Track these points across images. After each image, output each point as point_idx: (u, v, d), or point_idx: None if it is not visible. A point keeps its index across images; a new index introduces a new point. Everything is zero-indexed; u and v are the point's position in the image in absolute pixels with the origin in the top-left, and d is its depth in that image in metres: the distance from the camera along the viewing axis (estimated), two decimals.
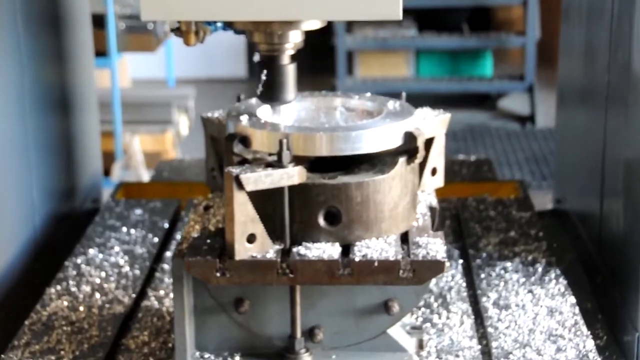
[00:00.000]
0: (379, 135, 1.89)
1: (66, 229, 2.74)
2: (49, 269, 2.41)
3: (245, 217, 1.79)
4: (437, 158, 2.15)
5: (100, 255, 2.42)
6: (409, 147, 1.93)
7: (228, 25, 1.96)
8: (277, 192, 1.84)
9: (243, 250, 1.81)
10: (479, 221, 2.69)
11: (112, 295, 2.21)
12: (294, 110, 2.05)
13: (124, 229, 2.59)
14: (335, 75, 7.54)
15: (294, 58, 1.98)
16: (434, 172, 2.15)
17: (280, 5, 1.81)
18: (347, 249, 1.87)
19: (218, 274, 1.81)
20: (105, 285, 2.25)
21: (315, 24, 1.94)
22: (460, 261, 2.44)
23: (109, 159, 4.69)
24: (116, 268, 2.36)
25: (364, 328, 1.95)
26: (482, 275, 2.36)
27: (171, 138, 5.15)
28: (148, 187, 3.04)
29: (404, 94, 2.10)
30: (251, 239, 1.81)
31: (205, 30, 2.00)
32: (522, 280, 2.32)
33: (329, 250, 1.84)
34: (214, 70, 8.18)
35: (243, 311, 1.92)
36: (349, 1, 1.81)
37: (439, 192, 2.94)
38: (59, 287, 2.24)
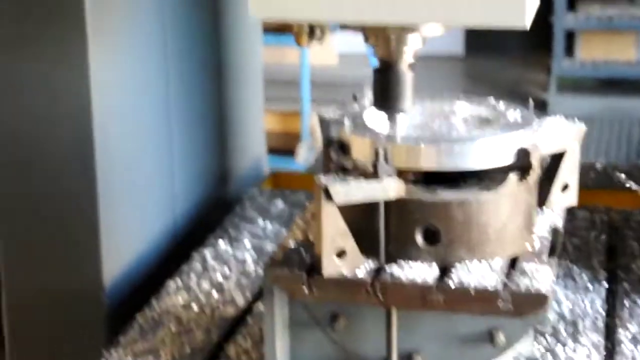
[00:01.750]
0: (488, 151, 1.74)
1: (215, 218, 2.74)
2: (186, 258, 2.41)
3: (334, 231, 1.70)
4: (569, 173, 1.97)
5: (229, 249, 2.40)
6: (522, 164, 1.77)
7: (344, 26, 1.86)
8: (372, 206, 1.74)
9: (332, 266, 1.72)
10: (639, 239, 2.47)
11: (229, 295, 2.18)
12: (407, 116, 1.93)
13: (261, 221, 2.56)
14: (552, 56, 7.24)
15: (412, 65, 1.86)
16: (565, 188, 1.98)
17: (396, 8, 1.69)
18: (445, 271, 1.74)
19: (305, 289, 1.74)
20: (225, 283, 2.23)
21: (436, 30, 1.81)
22: (605, 285, 2.24)
23: (295, 139, 4.70)
24: (241, 265, 2.33)
25: (467, 357, 1.81)
26: (627, 303, 2.15)
27: None
28: (300, 177, 3.00)
29: (531, 102, 1.93)
30: (341, 254, 1.72)
31: (324, 29, 1.92)
32: None
33: (425, 271, 1.72)
34: (429, 47, 8.03)
35: (338, 328, 1.83)
36: (471, 6, 1.67)
37: (605, 199, 2.77)
38: (179, 281, 2.23)
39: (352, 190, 1.69)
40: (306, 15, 1.77)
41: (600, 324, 2.08)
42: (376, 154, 1.71)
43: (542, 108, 7.08)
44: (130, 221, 2.34)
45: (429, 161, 1.74)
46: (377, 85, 1.84)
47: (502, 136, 1.76)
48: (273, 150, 4.07)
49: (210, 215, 2.74)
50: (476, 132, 1.83)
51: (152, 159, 2.45)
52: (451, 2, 1.67)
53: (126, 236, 2.33)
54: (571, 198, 1.99)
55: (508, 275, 1.74)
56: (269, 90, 5.23)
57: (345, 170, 1.80)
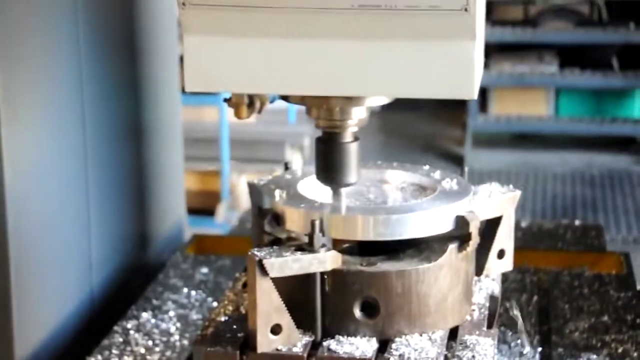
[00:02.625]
0: (425, 220, 1.69)
1: (135, 285, 2.64)
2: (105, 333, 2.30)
3: (269, 306, 1.63)
4: (505, 239, 1.94)
5: (153, 320, 2.29)
6: (461, 233, 1.73)
7: (283, 98, 1.80)
8: (309, 278, 1.67)
9: (266, 342, 1.64)
10: (571, 300, 2.44)
11: None
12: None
13: (185, 290, 2.46)
14: (467, 111, 7.30)
15: (357, 136, 1.81)
16: (501, 254, 1.94)
17: (341, 79, 1.64)
18: (385, 345, 1.68)
19: None
20: (149, 357, 2.12)
21: (382, 100, 1.76)
22: (539, 349, 2.20)
23: (214, 198, 4.62)
24: (165, 336, 2.22)
25: None
26: None
27: None
28: (224, 241, 2.91)
29: (466, 169, 1.90)
30: (276, 329, 1.65)
31: (263, 100, 1.85)
32: None
33: (363, 346, 1.66)
34: None
35: None
36: (418, 78, 1.63)
37: (533, 259, 2.75)
38: (100, 357, 2.12)
39: (287, 264, 1.62)
40: (245, 87, 1.71)
41: None
42: (312, 225, 1.65)
43: (458, 163, 7.12)
44: (44, 295, 2.22)
45: (365, 232, 1.68)
46: (320, 156, 1.79)
47: (440, 205, 1.72)
48: (192, 210, 3.98)
49: (130, 283, 2.63)
50: (413, 202, 1.78)
51: (67, 226, 2.34)
52: (399, 75, 1.63)
53: (40, 311, 2.21)
54: (507, 264, 1.96)
55: (449, 348, 1.68)
56: (187, 149, 5.17)
57: (279, 242, 1.73)
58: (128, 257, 2.68)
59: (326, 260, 1.65)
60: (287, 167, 1.93)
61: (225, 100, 1.84)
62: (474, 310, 1.79)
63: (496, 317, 1.86)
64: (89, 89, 2.39)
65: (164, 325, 2.27)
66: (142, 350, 2.15)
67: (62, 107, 2.31)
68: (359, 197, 1.84)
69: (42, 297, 2.23)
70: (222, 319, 1.75)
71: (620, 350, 2.17)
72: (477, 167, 7.06)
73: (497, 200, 1.89)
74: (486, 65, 7.42)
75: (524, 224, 3.07)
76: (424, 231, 1.70)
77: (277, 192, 1.76)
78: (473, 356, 1.63)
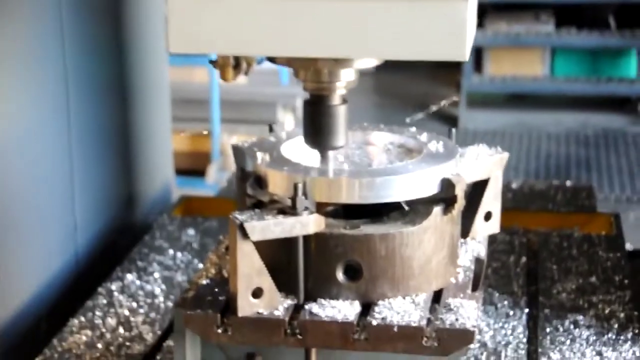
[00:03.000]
0: (410, 183, 1.67)
1: (122, 246, 2.62)
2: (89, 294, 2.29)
3: (250, 270, 1.61)
4: (492, 202, 1.91)
5: (137, 282, 2.28)
6: (446, 196, 1.70)
7: (270, 60, 1.76)
8: (291, 242, 1.65)
9: (247, 306, 1.62)
10: (559, 261, 2.43)
11: (136, 331, 2.06)
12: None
13: (171, 251, 2.44)
14: (461, 72, 7.26)
15: (345, 98, 1.77)
16: (488, 216, 1.92)
17: (328, 41, 1.60)
18: (367, 309, 1.66)
19: (219, 331, 1.63)
20: (133, 319, 2.11)
21: (371, 62, 1.72)
22: (526, 310, 2.19)
23: (205, 159, 4.58)
24: (150, 298, 2.21)
25: None
26: (548, 329, 2.10)
27: None
28: (212, 202, 2.89)
29: (454, 131, 1.87)
30: (257, 293, 1.63)
31: (250, 61, 1.81)
32: (593, 338, 2.06)
33: (346, 309, 1.64)
34: None
35: None
36: (408, 40, 1.58)
37: (523, 220, 2.73)
38: (83, 318, 2.10)
39: (269, 227, 1.59)
40: (231, 49, 1.67)
41: (522, 351, 2.02)
42: (295, 188, 1.62)
43: (452, 123, 7.08)
44: (24, 255, 2.21)
45: (349, 195, 1.66)
46: (308, 119, 1.76)
47: (425, 168, 1.69)
48: (182, 172, 3.96)
49: (116, 244, 2.62)
50: (398, 164, 1.75)
51: (50, 186, 2.32)
52: (388, 36, 1.58)
53: (20, 272, 2.19)
54: (494, 226, 1.93)
55: (432, 311, 1.66)
56: (177, 110, 5.12)
57: (262, 205, 1.71)
58: (113, 218, 2.66)
59: (309, 223, 1.62)
60: (271, 129, 1.90)
61: (211, 62, 1.80)
62: (459, 273, 1.77)
63: (481, 279, 1.83)
64: (71, 48, 2.35)
65: (148, 287, 2.26)
66: (126, 312, 2.14)
67: (44, 65, 2.27)
68: (343, 160, 1.81)
69: (23, 258, 2.21)
70: (204, 282, 1.73)
71: (607, 310, 2.16)
72: (471, 127, 7.03)
73: (484, 163, 1.86)
74: (481, 25, 7.38)
75: (514, 185, 3.05)
76: (408, 194, 1.67)
77: (260, 155, 1.73)
78: (456, 319, 1.61)
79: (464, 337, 1.60)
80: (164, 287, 2.26)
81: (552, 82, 7.44)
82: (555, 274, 2.36)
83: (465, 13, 1.58)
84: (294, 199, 1.62)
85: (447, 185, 1.69)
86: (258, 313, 1.62)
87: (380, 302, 1.66)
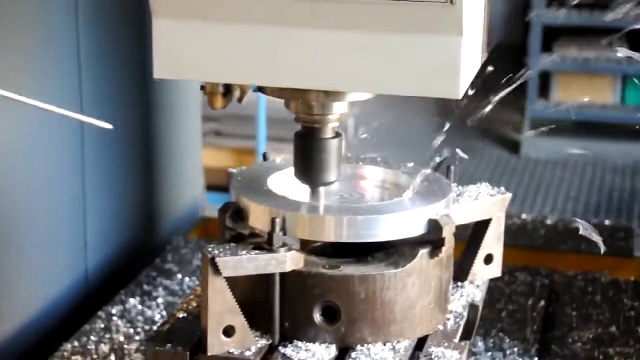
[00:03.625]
0: (394, 223, 1.59)
1: (140, 267, 2.56)
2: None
3: (221, 307, 1.55)
4: (493, 244, 1.83)
5: (139, 307, 2.23)
6: (434, 238, 1.62)
7: (260, 90, 1.70)
8: (268, 279, 1.59)
9: (218, 345, 1.56)
10: (580, 307, 2.31)
11: None
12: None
13: (179, 276, 2.40)
14: (527, 97, 7.10)
15: (338, 132, 1.71)
16: (488, 260, 1.83)
17: (319, 72, 1.54)
18: (344, 354, 1.59)
19: None
20: (127, 346, 2.06)
21: (364, 96, 1.66)
22: (536, 359, 2.09)
23: None
24: (149, 325, 2.16)
25: None
26: None
27: None
28: None
29: (452, 169, 1.79)
30: (229, 331, 1.56)
31: (245, 89, 1.76)
32: None
33: (321, 353, 1.57)
34: None
35: None
36: (400, 74, 1.52)
37: (552, 261, 2.62)
38: (76, 343, 2.06)
39: (242, 263, 1.53)
40: (217, 77, 1.63)
41: None
42: (272, 223, 1.56)
43: (514, 150, 6.94)
44: (29, 271, 2.17)
45: (330, 233, 1.59)
46: (298, 153, 1.70)
47: (412, 208, 1.62)
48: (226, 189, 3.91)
49: (132, 267, 2.57)
50: (384, 203, 1.68)
51: (58, 202, 2.28)
52: (381, 69, 1.52)
53: (25, 288, 2.16)
54: (495, 270, 1.85)
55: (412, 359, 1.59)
56: (225, 125, 5.11)
57: (241, 238, 1.65)
58: (131, 238, 2.62)
59: (285, 261, 1.56)
60: (265, 157, 1.85)
61: (201, 88, 1.76)
62: (448, 319, 1.69)
63: (475, 327, 1.75)
64: (86, 50, 2.30)
65: (149, 313, 2.21)
66: (122, 339, 2.10)
67: (55, 70, 2.22)
68: (331, 195, 1.74)
69: (28, 274, 2.17)
70: (181, 315, 1.67)
71: None
72: (534, 155, 6.87)
73: (484, 203, 1.78)
74: (550, 49, 7.22)
75: (549, 222, 2.94)
76: (392, 234, 1.60)
77: (242, 185, 1.68)
78: None
79: None
80: (165, 313, 2.21)
81: (622, 111, 7.23)
82: (574, 321, 2.25)
83: (459, 49, 1.50)
84: (270, 234, 1.56)
85: (435, 227, 1.61)
86: (229, 352, 1.56)
87: (358, 348, 1.59)
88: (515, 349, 2.10)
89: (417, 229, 1.61)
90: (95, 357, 2.01)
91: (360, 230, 1.58)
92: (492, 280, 2.39)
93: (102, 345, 2.06)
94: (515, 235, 2.78)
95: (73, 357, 2.00)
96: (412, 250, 1.62)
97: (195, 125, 3.03)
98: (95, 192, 2.41)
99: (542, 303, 2.32)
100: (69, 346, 2.04)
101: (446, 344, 1.61)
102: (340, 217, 1.58)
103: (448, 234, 1.61)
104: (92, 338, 2.09)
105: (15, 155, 2.09)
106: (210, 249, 1.54)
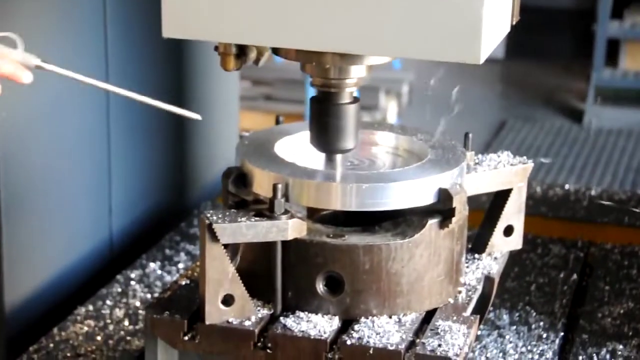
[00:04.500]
0: (401, 191, 1.53)
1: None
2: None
3: (219, 275, 1.50)
4: (513, 215, 1.75)
5: (159, 272, 2.20)
6: (443, 208, 1.55)
7: (274, 51, 1.64)
8: (271, 247, 1.54)
9: (216, 313, 1.51)
10: (613, 281, 2.23)
11: (141, 325, 1.98)
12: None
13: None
14: (593, 65, 6.91)
15: (356, 97, 1.65)
16: (508, 231, 1.76)
17: (335, 33, 1.47)
18: (347, 326, 1.53)
19: (185, 338, 1.54)
20: (142, 312, 2.03)
21: (382, 59, 1.59)
22: (561, 334, 2.01)
23: None
24: None
25: None
26: (581, 357, 1.92)
27: None
28: None
29: (470, 136, 1.71)
30: (228, 300, 1.52)
31: (261, 50, 1.68)
32: None
33: (323, 325, 1.51)
34: None
35: None
36: (420, 37, 1.44)
37: (591, 233, 2.53)
38: (91, 307, 2.04)
39: (240, 230, 1.48)
40: (227, 37, 1.56)
41: None
42: (274, 189, 1.50)
43: (577, 118, 6.77)
44: (48, 237, 2.15)
45: (336, 200, 1.53)
46: (314, 118, 1.64)
47: (421, 175, 1.55)
48: None
49: (160, 232, 2.53)
50: (393, 170, 1.61)
51: (84, 165, 2.25)
52: (400, 32, 1.44)
53: (43, 255, 2.14)
54: (515, 242, 1.77)
55: (418, 333, 1.52)
56: (274, 89, 5.04)
57: (245, 204, 1.60)
58: (159, 203, 2.59)
59: (287, 228, 1.50)
60: (278, 121, 1.79)
61: (215, 48, 1.70)
62: (460, 292, 1.62)
63: (491, 300, 1.68)
64: (112, 16, 2.25)
65: (168, 278, 2.18)
66: (137, 303, 2.07)
67: (82, 27, 2.18)
68: (341, 162, 1.68)
69: (51, 237, 2.15)
70: (184, 282, 1.63)
71: None
72: (597, 124, 6.70)
73: (503, 172, 1.70)
74: (620, 16, 7.01)
75: (593, 192, 2.83)
76: (399, 203, 1.53)
77: (247, 149, 1.63)
78: (439, 345, 1.46)
79: None
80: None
81: None
82: (606, 295, 2.16)
83: (480, 11, 1.42)
84: (272, 201, 1.51)
85: (444, 196, 1.54)
86: (228, 322, 1.52)
87: (362, 320, 1.53)
88: (541, 323, 2.03)
89: (427, 198, 1.54)
90: (108, 321, 1.99)
91: (366, 198, 1.51)
92: (524, 252, 2.34)
93: (117, 310, 2.03)
94: (556, 206, 2.69)
95: (86, 321, 1.98)
96: (420, 220, 1.55)
97: (233, 88, 2.97)
98: (121, 155, 2.38)
99: (574, 276, 2.24)
100: (82, 310, 2.02)
101: (455, 318, 1.54)
102: (345, 184, 1.52)
103: (459, 203, 1.54)
104: (108, 302, 2.06)
105: (40, 119, 2.07)
106: (208, 215, 1.49)
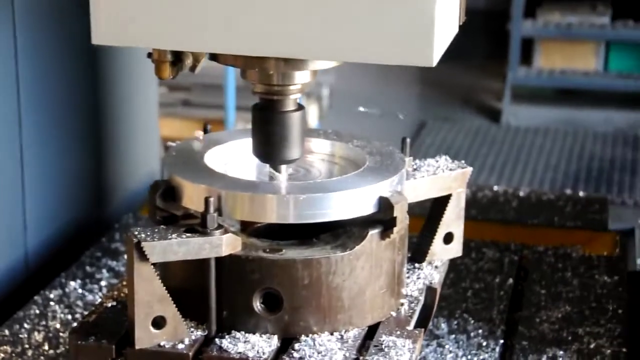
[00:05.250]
0: (339, 201, 1.45)
1: (88, 247, 2.41)
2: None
3: (150, 296, 1.41)
4: (453, 221, 1.70)
5: (80, 291, 2.09)
6: (384, 218, 1.48)
7: (212, 57, 1.54)
8: (204, 264, 1.45)
9: (146, 337, 1.42)
10: (549, 285, 2.18)
11: (63, 349, 1.86)
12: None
13: (126, 256, 2.25)
14: (508, 64, 6.96)
15: (300, 104, 1.56)
16: (448, 238, 1.70)
17: (277, 37, 1.38)
18: (287, 345, 1.45)
19: None
20: (63, 334, 1.92)
21: (329, 64, 1.51)
22: (501, 341, 1.96)
23: None
24: (89, 310, 2.01)
25: None
26: None
27: None
28: None
29: (408, 141, 1.64)
30: (159, 322, 1.43)
31: (198, 57, 1.58)
32: None
33: (260, 345, 1.43)
34: None
35: None
36: (369, 40, 1.36)
37: (522, 235, 2.49)
38: (7, 332, 1.91)
39: (171, 247, 1.39)
40: (163, 43, 1.46)
41: None
42: (206, 202, 1.42)
43: (495, 117, 6.81)
44: None
45: (272, 213, 1.45)
46: (256, 127, 1.55)
47: (360, 184, 1.47)
48: None
49: (79, 248, 2.41)
50: (330, 179, 1.54)
51: None
52: (349, 37, 1.36)
53: None
54: (455, 249, 1.72)
55: (361, 350, 1.45)
56: (194, 95, 4.95)
57: (174, 219, 1.51)
58: (77, 217, 2.47)
59: (220, 244, 1.42)
60: (205, 130, 1.70)
61: (148, 55, 1.60)
62: (403, 304, 1.56)
63: (433, 311, 1.62)
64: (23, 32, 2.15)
65: (90, 297, 2.07)
66: (58, 325, 1.95)
67: None
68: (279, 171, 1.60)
69: None
70: (110, 304, 1.53)
71: (592, 345, 1.92)
72: (514, 123, 6.75)
73: (442, 178, 1.64)
74: (533, 15, 7.07)
75: (522, 194, 2.80)
76: (338, 214, 1.46)
77: (175, 161, 1.54)
78: None
79: None
80: None
81: (604, 78, 7.10)
82: (543, 300, 2.12)
83: (432, 13, 1.34)
84: (204, 215, 1.42)
85: (385, 205, 1.47)
86: (159, 345, 1.43)
87: (302, 338, 1.45)
88: (480, 331, 1.98)
89: (366, 208, 1.47)
90: (26, 346, 1.87)
91: (304, 209, 1.44)
92: (458, 257, 2.28)
93: (36, 333, 1.91)
94: (486, 209, 2.65)
95: (2, 347, 1.85)
96: (361, 231, 1.48)
97: (151, 95, 2.87)
98: (34, 166, 2.25)
99: (510, 281, 2.19)
100: None
101: (398, 332, 1.48)
102: (281, 195, 1.44)
103: (400, 212, 1.47)
104: (26, 325, 1.94)
105: None
106: (136, 232, 1.40)
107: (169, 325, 1.43)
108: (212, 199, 1.42)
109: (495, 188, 2.79)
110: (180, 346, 1.43)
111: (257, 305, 1.45)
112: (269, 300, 1.45)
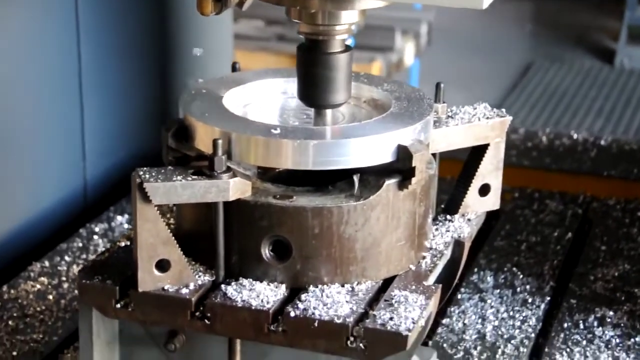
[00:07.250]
0: (357, 148, 1.38)
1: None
2: None
3: (153, 238, 1.37)
4: (490, 173, 1.60)
5: (126, 226, 2.08)
6: (403, 167, 1.40)
7: None
8: (213, 208, 1.40)
9: (150, 280, 1.38)
10: (610, 241, 2.07)
11: None
12: (282, 100, 1.58)
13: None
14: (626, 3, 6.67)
15: (348, 45, 1.49)
16: (484, 190, 1.61)
17: None
18: (295, 295, 1.40)
19: (118, 306, 1.41)
20: None
21: (374, 3, 1.43)
22: (548, 298, 1.87)
23: None
24: None
25: None
26: (566, 325, 1.78)
27: (379, 68, 4.58)
28: None
29: (442, 86, 1.55)
30: (163, 265, 1.39)
31: None
32: (615, 341, 1.72)
33: (267, 294, 1.38)
34: None
35: (174, 348, 1.51)
36: None
37: (596, 187, 2.37)
38: (47, 263, 1.92)
39: (175, 190, 1.35)
40: None
41: (524, 349, 1.71)
42: (214, 145, 1.36)
43: (608, 59, 6.54)
44: (25, 179, 2.02)
45: (285, 158, 1.38)
46: (301, 69, 1.48)
47: (380, 131, 1.39)
48: None
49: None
50: (350, 125, 1.46)
51: (58, 112, 2.12)
52: None
53: (19, 196, 2.01)
54: (492, 202, 1.62)
55: (372, 304, 1.39)
56: (290, 29, 4.86)
57: (186, 160, 1.46)
58: (137, 148, 2.45)
59: (228, 188, 1.36)
60: (234, 68, 1.64)
61: None
62: (424, 257, 1.48)
63: (460, 266, 1.54)
64: None
65: None
66: None
67: None
68: (295, 116, 1.54)
69: (24, 182, 2.03)
70: (122, 244, 1.50)
71: None
72: (628, 65, 6.47)
73: (478, 127, 1.55)
74: None
75: (603, 142, 2.66)
76: (353, 161, 1.39)
77: (191, 99, 1.48)
78: (391, 318, 1.33)
79: (393, 342, 1.31)
80: None
81: None
82: (601, 256, 2.01)
83: None
84: (212, 158, 1.37)
85: (403, 154, 1.39)
86: (163, 289, 1.39)
87: (311, 289, 1.39)
88: (528, 286, 1.89)
89: (384, 156, 1.39)
90: (63, 279, 1.87)
91: (316, 156, 1.37)
92: (518, 208, 2.19)
93: (75, 267, 1.91)
94: (561, 158, 2.53)
95: (40, 278, 1.86)
96: (377, 180, 1.41)
97: (226, 30, 2.82)
98: (94, 99, 2.24)
99: (569, 235, 2.09)
100: (37, 266, 1.91)
101: (413, 287, 1.40)
102: (292, 140, 1.37)
103: (420, 162, 1.39)
104: (67, 258, 1.94)
105: (13, 63, 1.94)
106: (140, 172, 1.36)
107: (173, 269, 1.39)
108: (220, 141, 1.36)
109: (575, 136, 2.66)
110: (184, 291, 1.39)
111: (266, 252, 1.40)
112: (278, 248, 1.40)
